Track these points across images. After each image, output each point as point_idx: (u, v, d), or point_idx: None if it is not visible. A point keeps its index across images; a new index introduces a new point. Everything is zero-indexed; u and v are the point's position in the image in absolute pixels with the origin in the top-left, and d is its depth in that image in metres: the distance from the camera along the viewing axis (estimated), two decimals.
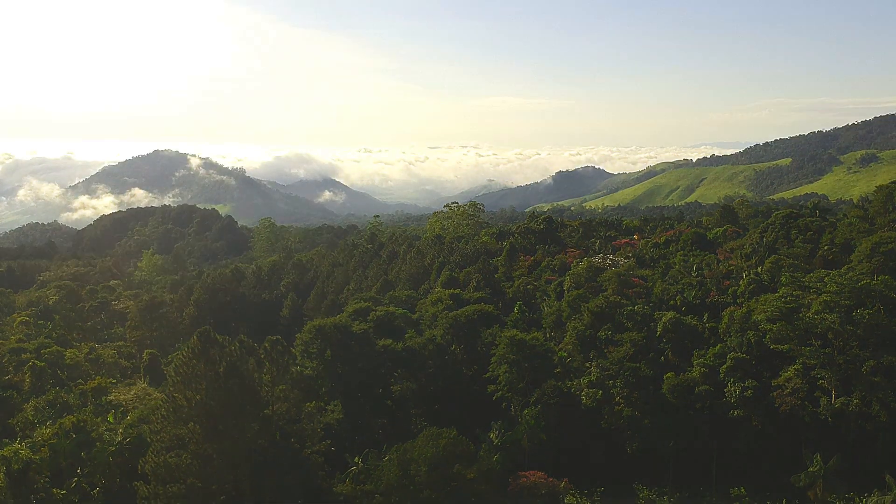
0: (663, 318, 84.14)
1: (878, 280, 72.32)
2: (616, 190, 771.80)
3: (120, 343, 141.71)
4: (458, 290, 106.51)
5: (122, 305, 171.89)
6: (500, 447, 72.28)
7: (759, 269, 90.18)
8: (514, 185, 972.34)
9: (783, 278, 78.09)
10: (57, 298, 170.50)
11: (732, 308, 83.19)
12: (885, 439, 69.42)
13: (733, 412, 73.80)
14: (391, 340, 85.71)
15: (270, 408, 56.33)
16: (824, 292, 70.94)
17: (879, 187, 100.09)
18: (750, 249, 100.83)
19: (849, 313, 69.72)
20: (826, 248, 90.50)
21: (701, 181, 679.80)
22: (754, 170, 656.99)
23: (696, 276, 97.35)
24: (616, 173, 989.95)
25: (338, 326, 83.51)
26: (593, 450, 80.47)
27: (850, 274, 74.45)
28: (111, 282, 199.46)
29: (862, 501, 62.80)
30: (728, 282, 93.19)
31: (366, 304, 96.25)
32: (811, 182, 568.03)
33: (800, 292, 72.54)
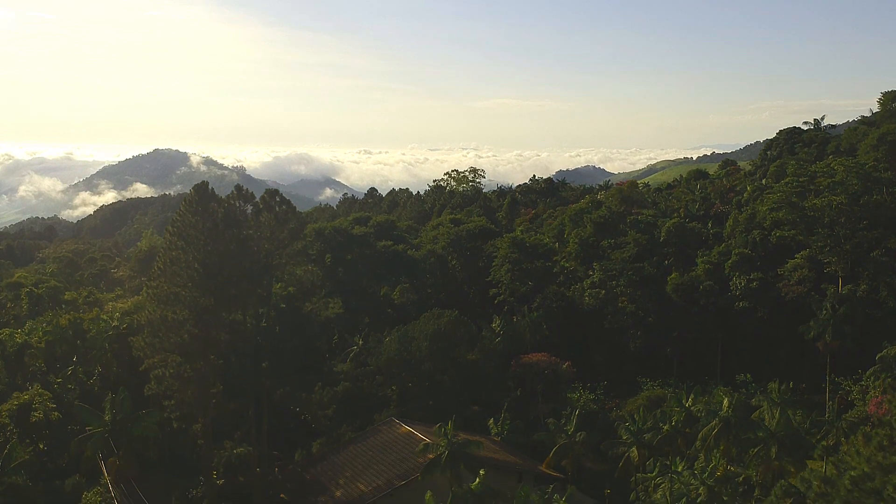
0: (667, 223, 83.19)
1: (882, 166, 71.37)
2: None
3: (118, 291, 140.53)
4: (459, 216, 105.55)
5: (121, 273, 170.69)
6: (502, 334, 71.19)
7: (764, 181, 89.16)
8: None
9: (789, 168, 77.05)
10: (56, 269, 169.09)
11: (736, 213, 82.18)
12: (893, 326, 68.20)
13: (738, 304, 72.67)
14: (391, 242, 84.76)
15: (269, 259, 55.23)
16: (832, 179, 69.93)
17: (885, 93, 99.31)
18: (753, 168, 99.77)
19: (856, 198, 68.73)
20: (831, 156, 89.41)
21: None
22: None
23: (700, 194, 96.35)
24: (616, 172, 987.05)
25: (338, 230, 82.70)
26: (596, 352, 79.47)
27: (858, 159, 73.49)
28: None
29: (869, 378, 61.39)
30: (732, 194, 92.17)
31: (366, 214, 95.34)
32: None
33: (806, 179, 71.50)
